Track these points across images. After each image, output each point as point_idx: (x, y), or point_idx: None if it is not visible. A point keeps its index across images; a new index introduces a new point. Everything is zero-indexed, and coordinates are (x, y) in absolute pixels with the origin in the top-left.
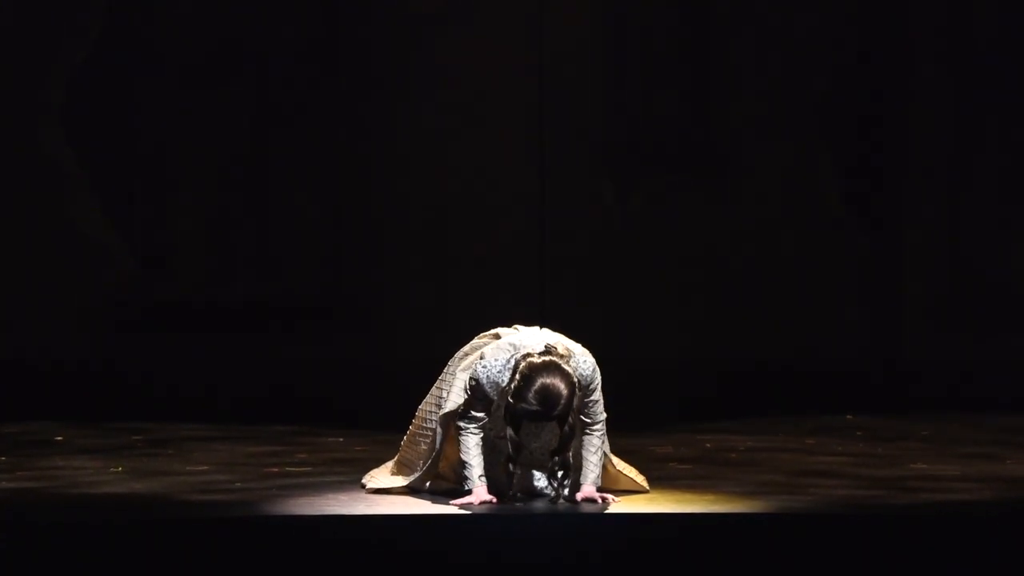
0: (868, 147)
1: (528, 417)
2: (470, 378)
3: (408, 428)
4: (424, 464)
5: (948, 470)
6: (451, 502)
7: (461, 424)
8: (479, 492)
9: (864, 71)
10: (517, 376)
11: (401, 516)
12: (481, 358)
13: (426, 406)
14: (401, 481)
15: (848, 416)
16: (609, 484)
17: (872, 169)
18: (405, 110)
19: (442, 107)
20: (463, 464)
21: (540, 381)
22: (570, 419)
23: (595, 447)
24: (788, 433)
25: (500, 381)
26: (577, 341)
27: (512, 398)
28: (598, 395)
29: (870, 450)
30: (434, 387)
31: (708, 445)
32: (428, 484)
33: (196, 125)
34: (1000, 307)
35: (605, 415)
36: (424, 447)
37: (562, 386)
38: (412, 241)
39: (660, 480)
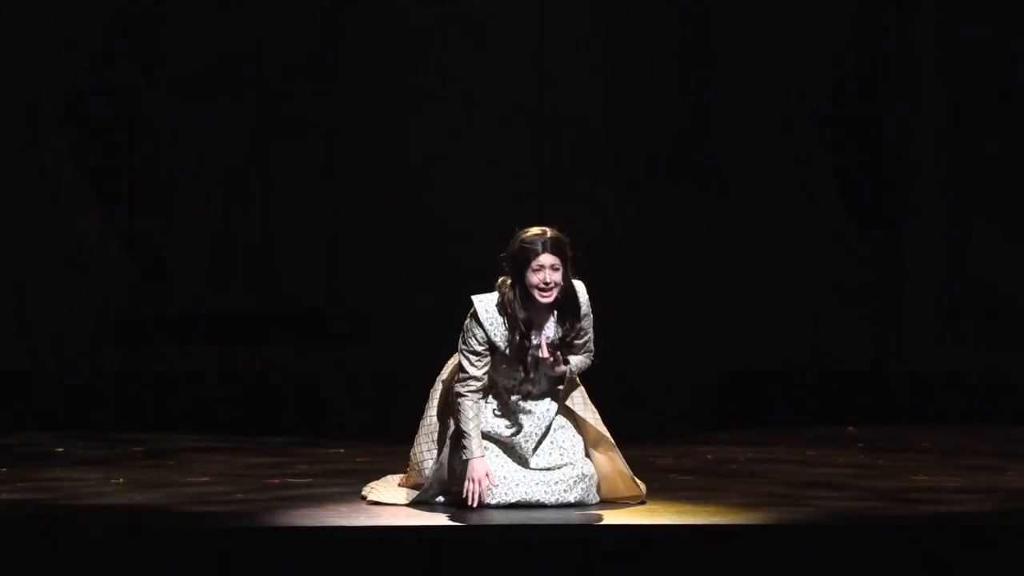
0: (868, 157)
1: (525, 252)
2: (469, 316)
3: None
4: (427, 484)
5: (949, 482)
6: (458, 491)
7: (459, 389)
8: (477, 465)
9: (864, 81)
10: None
11: (402, 528)
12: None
13: (417, 447)
14: (403, 497)
15: (849, 427)
16: (609, 490)
17: (872, 179)
18: (405, 120)
19: (442, 116)
20: (462, 434)
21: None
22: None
23: (582, 360)
24: (789, 444)
25: (496, 317)
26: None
27: (508, 258)
28: (591, 333)
29: (871, 461)
30: (421, 425)
31: (709, 456)
32: (430, 497)
33: (196, 135)
34: (1000, 318)
35: (593, 353)
36: (427, 472)
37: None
38: (413, 252)
39: (661, 491)
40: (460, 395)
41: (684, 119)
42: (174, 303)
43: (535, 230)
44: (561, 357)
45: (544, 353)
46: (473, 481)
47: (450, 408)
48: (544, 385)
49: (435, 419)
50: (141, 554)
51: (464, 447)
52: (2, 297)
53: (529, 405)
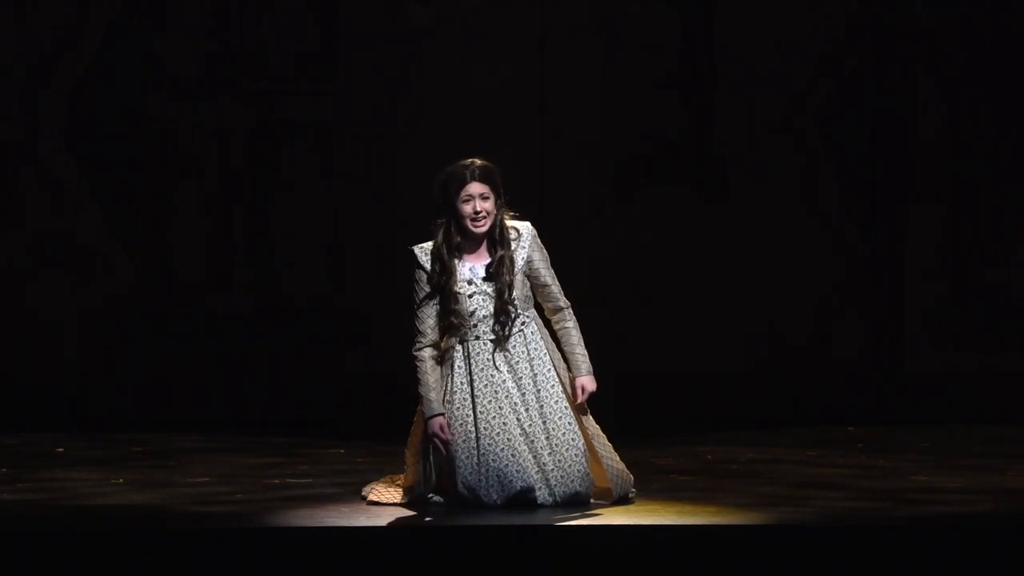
0: (868, 157)
1: (454, 183)
2: (412, 263)
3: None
4: (416, 479)
5: (949, 482)
6: (452, 489)
7: (413, 352)
8: (432, 422)
9: (865, 82)
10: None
11: (402, 528)
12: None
13: (410, 439)
14: (402, 497)
15: (849, 427)
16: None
17: (873, 180)
18: (405, 120)
19: (441, 117)
20: (420, 399)
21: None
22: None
23: (575, 337)
24: (789, 445)
25: (431, 253)
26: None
27: (439, 191)
28: (550, 274)
29: (871, 461)
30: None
31: (709, 457)
32: (427, 493)
33: (196, 135)
34: (1000, 319)
35: (568, 302)
36: (416, 462)
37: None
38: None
39: (661, 492)
40: (414, 357)
41: (684, 119)
42: (174, 303)
43: (464, 161)
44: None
45: (579, 398)
46: (432, 436)
47: None
48: (491, 320)
49: (418, 425)
50: (141, 554)
51: (423, 411)
52: (2, 297)
53: (502, 363)
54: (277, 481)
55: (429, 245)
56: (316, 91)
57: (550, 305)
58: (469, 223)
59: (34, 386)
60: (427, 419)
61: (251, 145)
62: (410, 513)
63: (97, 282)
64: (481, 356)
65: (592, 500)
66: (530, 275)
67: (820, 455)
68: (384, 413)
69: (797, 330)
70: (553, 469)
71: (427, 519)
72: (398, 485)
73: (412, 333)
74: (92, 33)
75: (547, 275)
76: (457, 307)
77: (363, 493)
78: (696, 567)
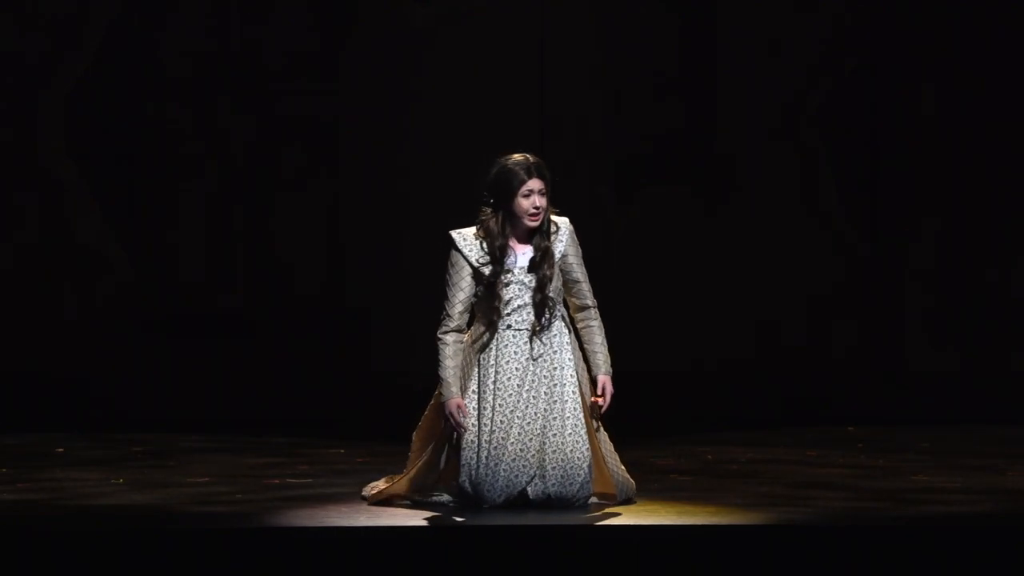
0: (868, 157)
1: (514, 178)
2: (449, 249)
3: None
4: (420, 472)
5: (949, 482)
6: (455, 485)
7: (438, 334)
8: (449, 403)
9: (865, 84)
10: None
11: (402, 528)
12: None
13: (417, 429)
14: (403, 497)
15: (849, 428)
16: (598, 485)
17: (873, 180)
18: (405, 119)
19: (442, 116)
20: (440, 382)
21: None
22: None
23: (599, 336)
24: (789, 445)
25: (473, 243)
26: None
27: (492, 185)
28: (582, 271)
29: (871, 461)
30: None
31: (709, 456)
32: (427, 488)
33: (196, 135)
34: (1000, 319)
35: (595, 301)
36: (423, 448)
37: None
38: (413, 251)
39: (661, 492)
40: (439, 339)
41: (684, 119)
42: (174, 303)
43: (517, 156)
44: (600, 407)
45: (603, 401)
46: (449, 418)
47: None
48: (526, 311)
49: (432, 409)
50: (141, 554)
51: (441, 393)
52: (2, 297)
53: (529, 355)
54: (277, 481)
55: (469, 231)
56: (316, 91)
57: (577, 302)
58: (527, 218)
59: (34, 386)
60: (444, 401)
61: (251, 145)
62: (411, 513)
63: (97, 282)
64: (509, 348)
65: (595, 500)
66: (563, 269)
67: (820, 455)
68: (384, 413)
69: (797, 330)
70: (554, 468)
71: (427, 519)
72: (399, 484)
73: (440, 316)
74: (92, 33)
75: (579, 272)
76: (495, 298)
77: (363, 493)
78: (696, 567)
